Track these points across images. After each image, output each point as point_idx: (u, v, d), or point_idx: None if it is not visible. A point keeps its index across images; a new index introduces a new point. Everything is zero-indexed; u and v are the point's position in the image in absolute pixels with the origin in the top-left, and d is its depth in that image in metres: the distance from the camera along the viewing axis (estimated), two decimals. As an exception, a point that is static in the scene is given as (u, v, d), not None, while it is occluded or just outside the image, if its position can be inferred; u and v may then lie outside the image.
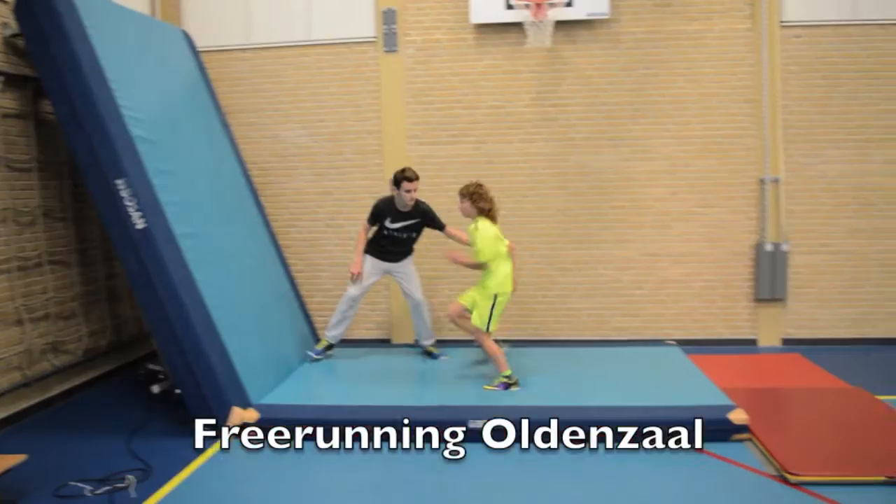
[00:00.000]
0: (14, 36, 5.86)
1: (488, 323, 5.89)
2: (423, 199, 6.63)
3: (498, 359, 5.95)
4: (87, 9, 5.60)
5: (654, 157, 7.67)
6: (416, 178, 6.41)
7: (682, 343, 7.34)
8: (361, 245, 6.72)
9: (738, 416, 5.08)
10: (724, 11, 7.51)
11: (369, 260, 6.74)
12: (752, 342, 7.72)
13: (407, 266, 6.81)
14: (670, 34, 7.55)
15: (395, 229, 6.57)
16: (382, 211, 6.59)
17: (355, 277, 6.64)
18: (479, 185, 5.90)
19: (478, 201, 5.83)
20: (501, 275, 5.88)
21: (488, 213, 5.85)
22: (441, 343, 7.13)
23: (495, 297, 5.87)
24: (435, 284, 7.82)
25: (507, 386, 5.86)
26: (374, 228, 6.69)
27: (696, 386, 5.82)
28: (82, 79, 5.35)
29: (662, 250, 7.74)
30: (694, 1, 7.51)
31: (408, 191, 6.37)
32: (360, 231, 6.75)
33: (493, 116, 7.79)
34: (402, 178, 6.36)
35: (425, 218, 6.59)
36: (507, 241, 5.96)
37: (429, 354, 6.96)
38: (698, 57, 7.56)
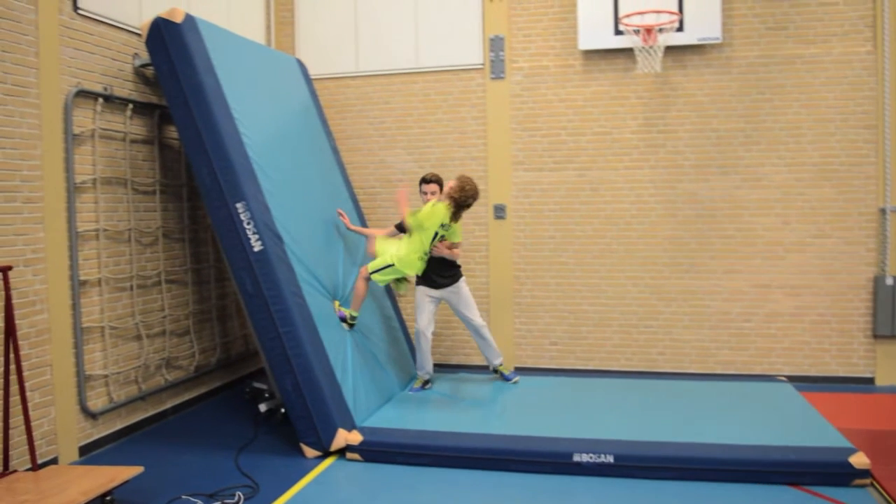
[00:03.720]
0: (143, 66, 6.19)
1: (377, 271, 6.16)
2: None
3: (357, 299, 6.26)
4: (212, 41, 5.87)
5: (766, 186, 7.43)
6: (434, 180, 6.50)
7: (793, 379, 7.06)
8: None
9: (859, 461, 4.81)
10: (843, 34, 7.24)
11: (420, 290, 6.65)
12: (870, 381, 7.32)
13: (458, 290, 6.65)
14: (785, 58, 7.33)
15: None
16: None
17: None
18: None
19: (458, 205, 5.98)
20: (406, 252, 6.07)
21: (454, 214, 6.02)
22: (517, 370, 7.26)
23: (392, 265, 6.11)
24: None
25: (344, 319, 6.21)
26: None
27: (812, 426, 5.54)
28: (207, 107, 5.58)
29: (773, 282, 7.46)
30: (811, 24, 7.27)
31: (424, 192, 6.49)
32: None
33: (599, 143, 7.72)
34: (421, 180, 6.57)
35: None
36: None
37: (500, 375, 6.94)
38: (814, 81, 7.29)
